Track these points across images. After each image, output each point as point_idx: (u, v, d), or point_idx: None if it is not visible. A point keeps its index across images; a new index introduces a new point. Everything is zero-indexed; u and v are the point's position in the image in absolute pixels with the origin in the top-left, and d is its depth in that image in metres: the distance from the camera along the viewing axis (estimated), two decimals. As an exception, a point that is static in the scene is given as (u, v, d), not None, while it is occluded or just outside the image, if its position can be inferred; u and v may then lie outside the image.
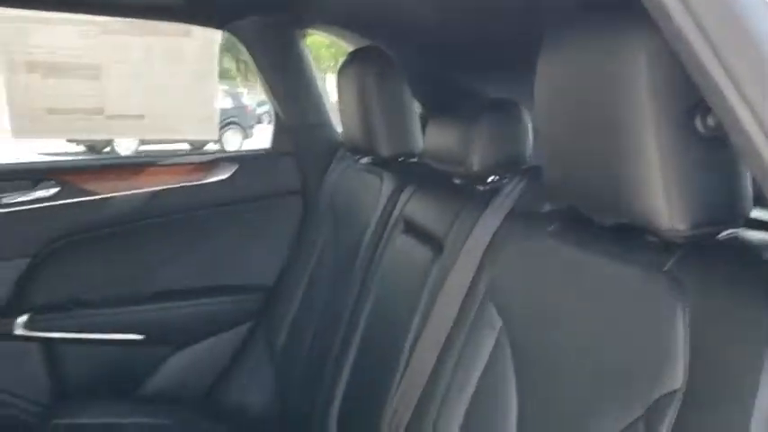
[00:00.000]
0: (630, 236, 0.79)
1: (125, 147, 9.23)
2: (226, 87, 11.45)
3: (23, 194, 1.83)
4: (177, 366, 1.98)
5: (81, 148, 9.46)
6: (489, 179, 1.19)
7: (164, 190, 1.95)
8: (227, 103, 10.61)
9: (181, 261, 1.99)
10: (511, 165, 1.16)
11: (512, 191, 1.07)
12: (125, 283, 1.93)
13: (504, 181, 1.14)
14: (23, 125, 2.02)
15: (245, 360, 2.00)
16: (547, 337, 0.88)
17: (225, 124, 10.55)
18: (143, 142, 9.18)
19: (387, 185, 1.49)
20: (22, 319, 1.81)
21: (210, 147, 9.12)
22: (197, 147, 8.67)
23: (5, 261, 1.79)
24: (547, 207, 0.97)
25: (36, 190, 1.84)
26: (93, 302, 1.90)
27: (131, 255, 1.94)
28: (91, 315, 1.89)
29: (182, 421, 1.79)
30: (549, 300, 0.89)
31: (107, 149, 9.47)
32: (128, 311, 1.92)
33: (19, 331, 1.80)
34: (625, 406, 0.72)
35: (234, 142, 10.86)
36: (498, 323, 0.97)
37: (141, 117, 2.23)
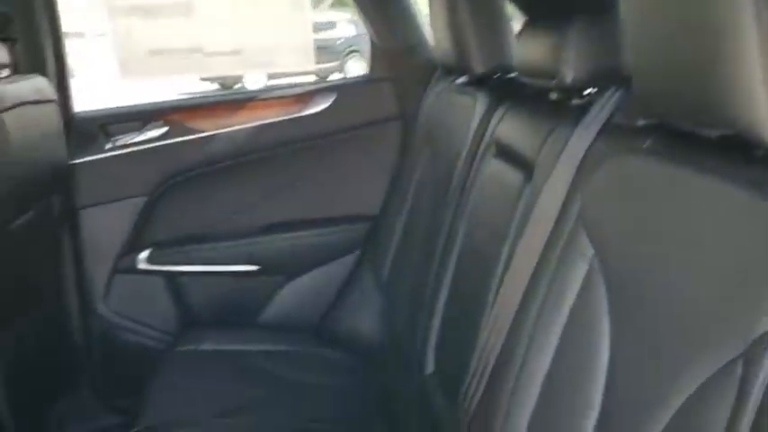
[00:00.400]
0: (735, 150, 0.68)
1: (254, 81, 9.42)
2: (348, 16, 11.35)
3: (135, 136, 1.91)
4: (291, 295, 2.04)
5: (215, 85, 9.76)
6: (586, 92, 1.08)
7: (266, 124, 1.97)
8: (350, 31, 10.51)
9: (287, 193, 2.02)
10: (609, 75, 1.04)
11: (605, 104, 0.96)
12: (236, 216, 1.99)
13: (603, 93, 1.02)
14: (129, 67, 2.09)
15: (353, 289, 2.02)
16: (642, 263, 0.79)
17: (347, 52, 10.49)
18: (271, 77, 9.35)
19: (480, 106, 1.40)
20: (144, 254, 1.92)
21: (335, 76, 9.14)
22: (322, 77, 8.70)
23: (124, 200, 1.89)
24: (642, 121, 0.86)
25: (146, 131, 1.92)
26: (208, 236, 1.98)
27: (239, 189, 2.00)
28: (207, 249, 1.97)
29: (297, 347, 1.86)
30: (645, 222, 0.80)
31: (238, 85, 9.73)
32: (241, 244, 1.99)
33: (142, 266, 1.91)
34: (723, 342, 0.64)
35: (357, 70, 10.82)
36: (590, 251, 0.89)
37: (238, 52, 2.25)
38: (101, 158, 1.87)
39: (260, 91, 2.05)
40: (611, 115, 0.94)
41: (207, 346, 1.80)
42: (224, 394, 1.59)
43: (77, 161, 1.83)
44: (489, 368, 1.02)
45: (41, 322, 1.66)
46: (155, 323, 1.93)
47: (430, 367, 1.37)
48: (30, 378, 1.54)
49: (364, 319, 2.01)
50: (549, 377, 0.91)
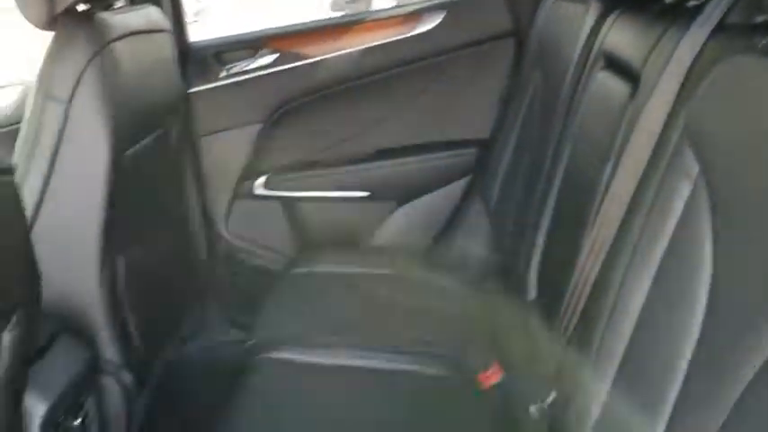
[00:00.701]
0: None
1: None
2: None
3: (248, 63, 1.95)
4: (401, 221, 2.05)
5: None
6: (705, -9, 0.96)
7: (375, 46, 1.94)
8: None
9: (396, 118, 2.00)
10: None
11: (720, 1, 0.84)
12: (347, 142, 2.00)
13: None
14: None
15: (463, 214, 1.99)
16: (752, 181, 0.71)
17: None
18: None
19: (591, 14, 1.29)
20: (261, 180, 1.99)
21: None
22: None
23: (241, 128, 1.96)
24: (761, 16, 0.75)
25: (258, 58, 1.95)
26: (320, 162, 2.01)
27: (350, 115, 2.00)
28: (319, 174, 2.01)
29: (407, 271, 1.87)
30: (758, 133, 0.71)
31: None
32: (352, 170, 2.01)
33: (259, 191, 1.98)
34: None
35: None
36: (695, 169, 0.80)
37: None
38: (216, 87, 1.93)
39: (368, 13, 2.01)
40: (726, 14, 0.83)
41: (320, 269, 1.86)
42: (334, 314, 1.64)
43: (194, 90, 1.90)
44: (587, 291, 0.97)
45: (170, 242, 1.77)
46: (272, 246, 2.01)
47: (532, 293, 1.33)
48: (159, 294, 1.67)
49: (473, 244, 1.98)
50: (648, 300, 0.85)
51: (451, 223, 2.02)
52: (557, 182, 1.28)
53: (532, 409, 1.12)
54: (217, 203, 1.98)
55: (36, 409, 1.10)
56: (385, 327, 1.59)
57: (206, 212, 1.97)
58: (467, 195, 1.98)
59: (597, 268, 0.96)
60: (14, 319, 0.88)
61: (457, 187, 1.99)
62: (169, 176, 1.84)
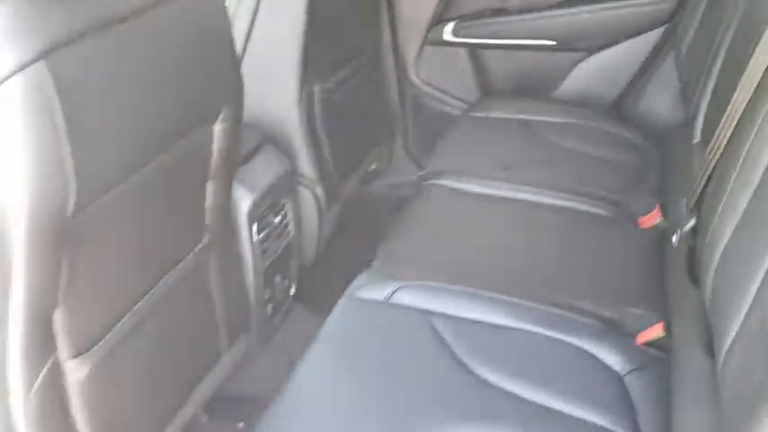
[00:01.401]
0: None
1: None
2: None
3: None
4: (587, 72, 2.03)
5: None
6: None
7: None
8: None
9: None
10: None
11: None
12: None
13: None
14: None
15: (652, 67, 1.93)
16: None
17: None
18: None
19: None
20: (449, 27, 2.06)
21: None
22: None
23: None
24: None
25: None
26: (508, 9, 2.03)
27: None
28: (506, 22, 2.03)
29: (588, 122, 1.89)
30: None
31: None
32: (540, 17, 2.00)
33: (447, 38, 2.07)
34: None
35: None
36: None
37: None
38: None
39: None
40: None
41: (498, 114, 1.94)
42: (505, 154, 1.73)
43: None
44: (732, 125, 0.97)
45: (364, 80, 1.95)
46: (456, 92, 2.11)
47: (697, 136, 1.32)
48: (351, 125, 1.86)
49: (660, 99, 1.92)
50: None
51: (640, 76, 1.96)
52: (732, 27, 1.23)
53: (674, 237, 1.17)
54: (408, 48, 2.09)
55: (243, 201, 1.36)
56: (553, 169, 1.65)
57: (398, 56, 2.10)
58: (658, 48, 1.91)
59: (743, 105, 0.96)
60: (222, 115, 1.10)
61: (648, 39, 1.91)
62: (365, 19, 1.98)
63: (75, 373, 0.92)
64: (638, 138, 1.81)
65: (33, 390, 0.88)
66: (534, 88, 2.08)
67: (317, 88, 1.66)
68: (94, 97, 0.82)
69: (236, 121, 1.14)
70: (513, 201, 1.53)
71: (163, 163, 0.99)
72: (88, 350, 0.93)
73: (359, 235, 1.73)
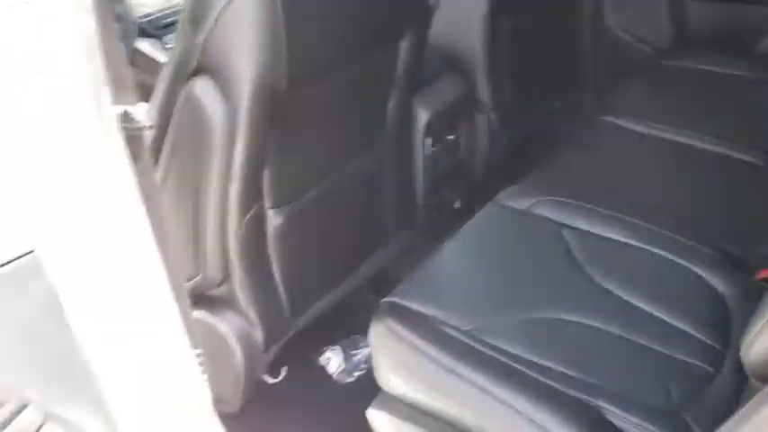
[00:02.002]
0: None
1: None
2: None
3: None
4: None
5: None
6: None
7: None
8: None
9: None
10: None
11: None
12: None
13: None
14: None
15: None
16: None
17: None
18: None
19: None
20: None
21: None
22: None
23: None
24: None
25: None
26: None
27: None
28: None
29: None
30: None
31: None
32: None
33: None
34: None
35: None
36: None
37: None
38: None
39: None
40: None
41: (688, 64, 1.96)
42: (682, 103, 1.78)
43: None
44: None
45: (555, 18, 2.04)
46: (652, 39, 2.14)
47: None
48: (538, 63, 1.98)
49: None
50: None
51: None
52: None
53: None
54: None
55: (421, 116, 1.58)
56: (723, 118, 1.68)
57: (596, 3, 2.17)
58: None
59: None
60: (407, 35, 1.33)
61: None
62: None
63: (273, 220, 1.24)
64: None
65: (243, 227, 1.20)
66: (735, 42, 2.05)
67: (505, 23, 1.81)
68: (311, 13, 1.09)
69: (420, 42, 1.36)
70: (672, 142, 1.60)
71: (356, 69, 1.24)
72: (284, 205, 1.24)
73: (528, 163, 1.88)
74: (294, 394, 1.51)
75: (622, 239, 1.28)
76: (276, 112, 1.11)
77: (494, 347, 1.06)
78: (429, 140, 1.60)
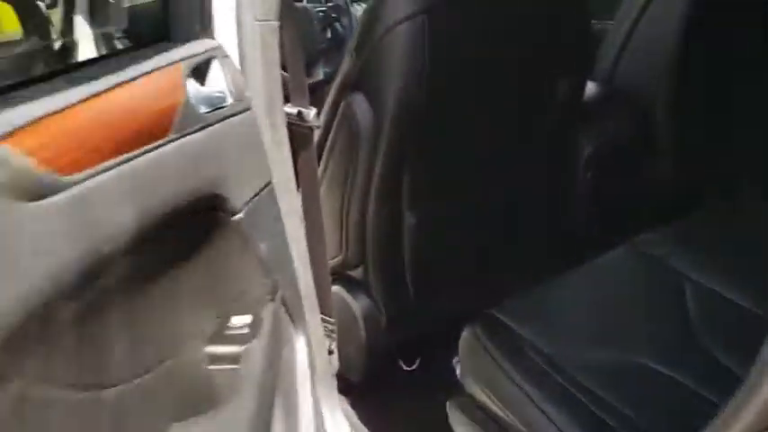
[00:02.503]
0: None
1: None
2: None
3: None
4: None
5: None
6: None
7: None
8: None
9: None
10: None
11: None
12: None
13: None
14: None
15: None
16: None
17: None
18: None
19: None
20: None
21: None
22: None
23: None
24: None
25: None
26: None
27: None
28: None
29: None
30: None
31: None
32: None
33: None
34: None
35: None
36: None
37: None
38: None
39: None
40: None
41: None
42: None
43: None
44: None
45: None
46: None
47: None
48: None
49: None
50: None
51: None
52: None
53: None
54: None
55: (585, 147, 1.62)
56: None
57: None
58: None
59: None
60: (561, 81, 1.40)
61: None
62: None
63: (408, 219, 1.40)
64: None
65: (380, 221, 1.37)
66: None
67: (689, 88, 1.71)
68: (458, 47, 1.22)
69: (575, 86, 1.42)
70: None
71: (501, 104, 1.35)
72: (419, 207, 1.39)
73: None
74: (419, 384, 1.63)
75: (746, 305, 1.23)
76: (416, 128, 1.27)
77: (572, 380, 1.11)
78: (589, 174, 1.63)
